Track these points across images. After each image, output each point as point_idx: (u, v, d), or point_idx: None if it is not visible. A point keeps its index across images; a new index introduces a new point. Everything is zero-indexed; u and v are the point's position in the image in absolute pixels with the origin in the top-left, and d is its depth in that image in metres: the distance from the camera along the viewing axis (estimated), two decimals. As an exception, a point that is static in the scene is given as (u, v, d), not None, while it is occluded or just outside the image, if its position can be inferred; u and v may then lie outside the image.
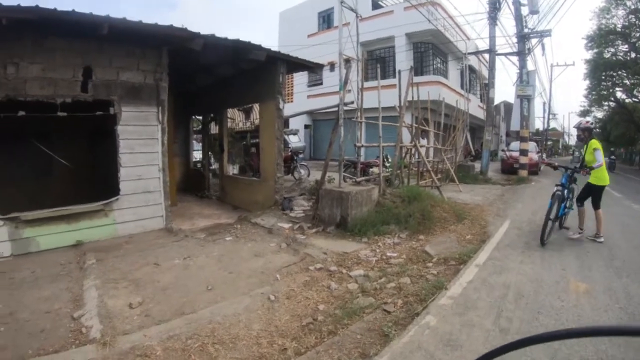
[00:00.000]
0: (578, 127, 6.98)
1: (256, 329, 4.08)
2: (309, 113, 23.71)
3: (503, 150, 21.91)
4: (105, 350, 3.82)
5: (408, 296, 4.72)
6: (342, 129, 8.14)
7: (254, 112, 13.85)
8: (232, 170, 12.67)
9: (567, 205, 7.04)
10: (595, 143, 6.69)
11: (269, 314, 4.39)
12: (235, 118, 14.72)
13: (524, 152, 17.87)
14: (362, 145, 9.04)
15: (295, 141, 19.38)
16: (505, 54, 18.63)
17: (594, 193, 6.82)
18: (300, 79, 27.38)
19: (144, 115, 7.62)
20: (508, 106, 27.94)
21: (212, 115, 13.14)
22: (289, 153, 14.90)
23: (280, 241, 6.89)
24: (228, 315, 4.35)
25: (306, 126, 28.41)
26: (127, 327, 4.22)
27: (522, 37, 17.68)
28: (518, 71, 18.12)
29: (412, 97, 11.15)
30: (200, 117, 14.29)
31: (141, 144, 7.56)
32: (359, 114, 8.91)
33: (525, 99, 17.77)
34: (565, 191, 6.88)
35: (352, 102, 8.64)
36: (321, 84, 27.08)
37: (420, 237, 7.28)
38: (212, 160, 14.15)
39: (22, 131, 8.19)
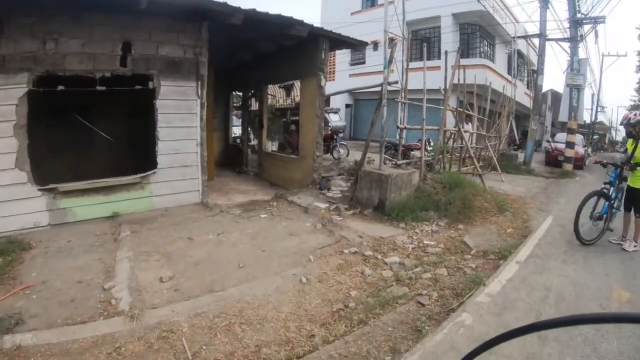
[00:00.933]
0: (628, 123, 5.89)
1: (285, 311, 3.89)
2: (351, 92, 23.19)
3: (548, 142, 20.32)
4: (132, 324, 3.74)
5: (444, 289, 4.39)
6: (385, 110, 7.72)
7: (295, 90, 13.56)
8: (271, 147, 12.52)
9: (615, 205, 6.21)
10: None
11: (300, 297, 4.19)
12: (276, 95, 14.48)
13: (570, 145, 16.58)
14: (405, 128, 8.58)
15: (336, 120, 18.95)
16: (557, 40, 17.28)
17: (636, 197, 5.88)
18: (342, 57, 26.75)
19: (183, 90, 7.50)
20: (555, 95, 26.08)
21: (252, 91, 12.98)
22: (329, 132, 14.57)
23: (316, 222, 6.66)
24: (258, 295, 4.17)
25: (347, 105, 27.85)
26: (155, 302, 4.13)
27: (575, 23, 16.31)
28: (569, 59, 16.82)
29: (458, 81, 10.50)
30: (241, 93, 14.14)
31: (180, 118, 7.47)
32: (403, 94, 8.44)
33: (575, 89, 16.47)
34: (613, 190, 6.13)
35: (397, 83, 8.18)
36: (364, 63, 26.31)
37: (459, 227, 6.85)
38: (252, 136, 14.09)
39: (64, 104, 8.28)
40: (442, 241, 6.13)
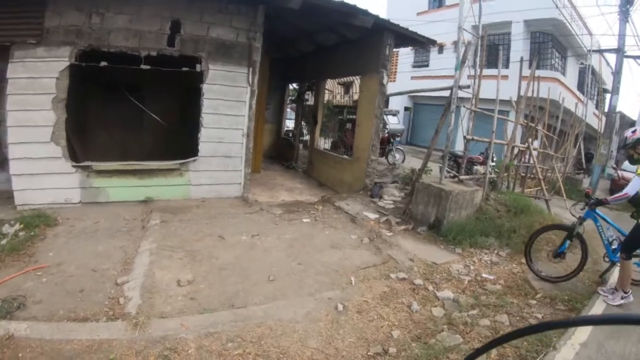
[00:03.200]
0: (624, 144, 4.47)
1: (312, 347, 3.25)
2: (411, 95, 22.14)
3: (613, 168, 18.42)
4: (134, 333, 3.27)
5: (505, 347, 3.51)
6: (452, 116, 6.84)
7: (353, 87, 12.84)
8: (324, 144, 11.88)
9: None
10: None
11: (332, 330, 3.53)
12: (334, 91, 13.83)
13: None
14: (473, 139, 7.63)
15: (394, 122, 17.97)
16: (636, 57, 15.80)
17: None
18: (404, 58, 25.70)
19: (233, 76, 7.04)
20: (623, 118, 23.65)
21: (308, 84, 12.41)
22: (386, 134, 13.75)
23: (363, 234, 5.94)
24: (283, 320, 3.56)
25: (406, 108, 26.68)
26: (166, 309, 3.65)
27: None
28: None
29: (525, 93, 9.34)
30: (297, 86, 13.63)
31: (227, 105, 7.04)
32: (473, 101, 7.50)
33: None
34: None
35: (468, 87, 7.25)
36: (427, 65, 25.03)
37: (522, 261, 5.82)
38: (304, 131, 13.59)
39: (115, 82, 8.17)
40: (502, 276, 5.25)
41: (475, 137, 7.78)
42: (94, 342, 3.14)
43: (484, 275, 5.11)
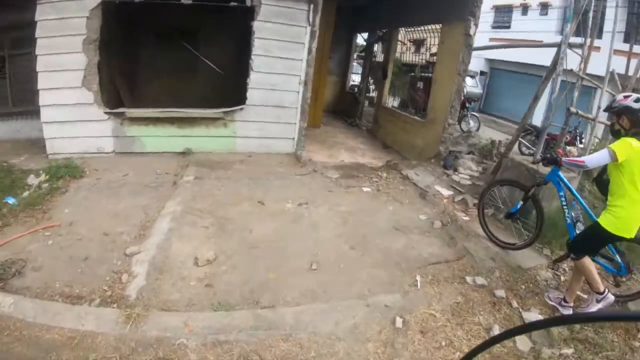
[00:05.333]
0: (609, 107, 3.34)
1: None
2: (488, 58, 19.99)
3: None
4: (125, 328, 2.58)
5: None
6: (558, 82, 5.33)
7: (425, 46, 11.29)
8: (392, 103, 10.57)
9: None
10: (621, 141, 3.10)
11: (385, 356, 2.55)
12: (404, 47, 12.33)
13: None
14: (577, 113, 5.98)
15: (471, 85, 16.12)
16: None
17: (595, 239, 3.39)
18: (483, 17, 23.04)
19: (290, 13, 5.97)
20: None
21: (379, 34, 11.02)
22: (462, 98, 12.14)
23: (434, 215, 4.78)
24: (320, 333, 2.66)
25: (481, 73, 24.28)
26: (173, 297, 2.89)
27: None
28: None
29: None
30: (366, 36, 12.25)
31: (281, 47, 6.04)
32: (582, 65, 5.83)
33: None
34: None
35: (580, 46, 5.59)
36: (508, 27, 22.41)
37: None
38: (371, 87, 12.42)
39: (168, 29, 7.36)
40: None
41: (580, 112, 6.20)
42: (77, 333, 2.55)
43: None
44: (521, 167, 5.09)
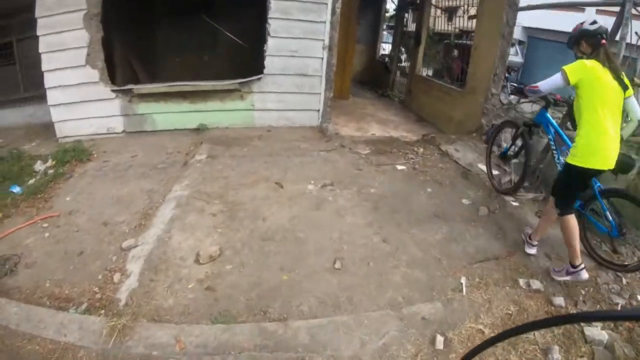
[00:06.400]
0: (570, 36, 3.22)
1: None
2: (526, 26, 18.68)
3: None
4: (107, 342, 2.19)
5: None
6: (622, 48, 4.52)
7: (459, 13, 10.38)
8: (425, 72, 9.77)
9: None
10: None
11: None
12: (436, 15, 11.42)
13: None
14: None
15: (511, 53, 14.97)
16: None
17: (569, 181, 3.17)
18: None
19: (309, -32, 5.43)
20: None
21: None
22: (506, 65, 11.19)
23: (479, 199, 4.13)
24: (342, 358, 2.09)
25: (520, 42, 22.67)
26: (166, 303, 2.51)
27: None
28: None
29: None
30: (396, 1, 11.37)
31: (301, 7, 5.42)
32: None
33: None
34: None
35: None
36: None
37: None
38: (403, 56, 11.64)
39: (183, 2, 6.87)
40: None
41: None
42: (59, 346, 2.22)
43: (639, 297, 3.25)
44: None
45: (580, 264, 3.04)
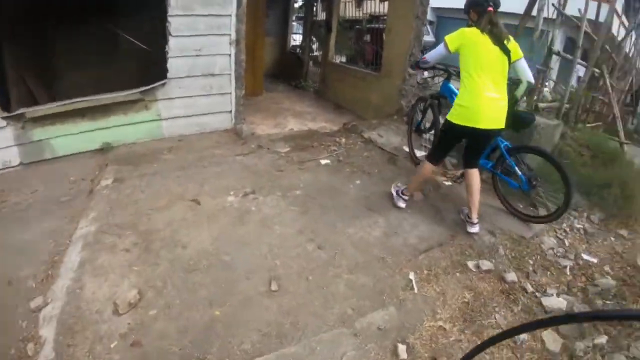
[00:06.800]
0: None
1: None
2: (434, 7, 19.29)
3: None
4: None
5: None
6: (541, 18, 4.79)
7: (366, 1, 10.47)
8: (339, 60, 9.69)
9: None
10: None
11: None
12: (346, 2, 11.39)
13: None
14: (559, 53, 5.44)
15: (424, 33, 15.43)
16: None
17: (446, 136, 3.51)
18: None
19: (210, -40, 5.00)
20: None
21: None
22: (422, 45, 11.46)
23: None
24: None
25: (430, 22, 23.48)
26: None
27: None
28: None
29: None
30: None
31: (204, 2, 4.99)
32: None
33: None
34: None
35: None
36: None
37: (620, 231, 4.14)
38: (314, 45, 11.63)
39: (78, 10, 5.99)
40: (604, 256, 3.61)
41: (562, 53, 5.66)
42: None
43: (584, 257, 3.43)
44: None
45: (411, 195, 3.63)
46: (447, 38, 3.16)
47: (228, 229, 3.19)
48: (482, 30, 3.03)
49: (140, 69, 6.67)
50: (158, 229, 3.16)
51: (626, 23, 15.55)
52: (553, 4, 5.13)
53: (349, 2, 11.36)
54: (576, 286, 3.04)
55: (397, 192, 3.71)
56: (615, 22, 9.91)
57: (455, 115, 3.19)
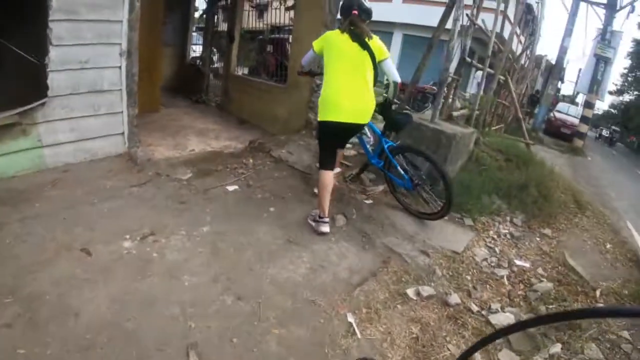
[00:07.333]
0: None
1: None
2: None
3: (549, 109, 19.84)
4: None
5: None
6: (457, 25, 4.97)
7: (268, 12, 10.28)
8: (241, 72, 9.29)
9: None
10: None
11: None
12: (247, 13, 11.07)
13: (585, 120, 16.46)
14: (471, 63, 5.76)
15: None
16: (592, 2, 16.35)
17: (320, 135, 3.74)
18: None
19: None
20: (549, 65, 24.23)
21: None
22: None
23: (330, 207, 3.85)
24: None
25: None
26: None
27: None
28: (601, 27, 16.16)
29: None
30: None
31: (91, 4, 4.28)
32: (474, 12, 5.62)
33: (602, 61, 16.07)
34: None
35: None
36: None
37: (543, 231, 4.55)
38: (215, 57, 11.25)
39: None
40: (534, 259, 3.86)
41: (474, 62, 5.96)
42: None
43: (517, 262, 3.62)
44: (422, 129, 4.78)
45: (325, 217, 3.48)
46: (313, 42, 3.47)
47: (128, 285, 2.67)
48: (343, 31, 3.28)
49: (28, 85, 5.72)
50: (44, 292, 2.56)
51: (518, 31, 17.49)
52: (467, 14, 5.34)
53: (251, 11, 11.02)
54: (517, 295, 3.15)
55: (314, 220, 3.58)
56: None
57: (322, 113, 3.39)
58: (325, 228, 3.46)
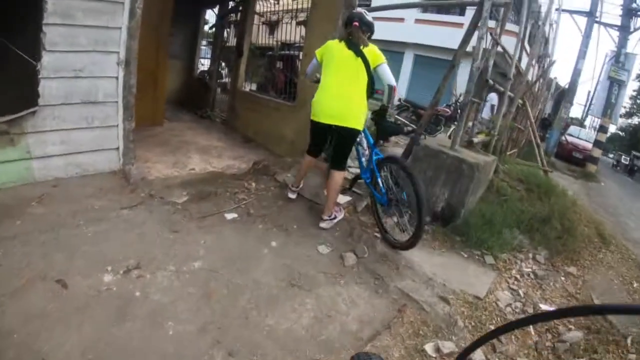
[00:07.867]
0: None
1: None
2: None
3: (561, 133, 19.45)
4: None
5: None
6: (480, 47, 4.64)
7: (279, 28, 10.05)
8: (249, 87, 9.03)
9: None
10: None
11: None
12: (257, 29, 10.88)
13: (599, 144, 15.95)
14: (493, 85, 5.51)
15: None
16: (605, 24, 16.40)
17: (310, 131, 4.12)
18: None
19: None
20: (559, 88, 24.10)
21: (232, 5, 9.39)
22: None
23: (339, 241, 3.52)
24: None
25: None
26: None
27: (629, 12, 15.44)
28: (615, 49, 16.25)
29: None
30: (216, 10, 10.42)
31: (89, 9, 4.01)
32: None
33: (616, 84, 16.03)
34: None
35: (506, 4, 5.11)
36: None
37: (568, 269, 4.16)
38: (224, 72, 11.15)
39: None
40: (560, 302, 3.49)
41: (497, 85, 5.72)
42: None
43: (542, 307, 3.25)
44: (441, 156, 4.31)
45: (294, 187, 4.25)
46: (316, 51, 3.80)
47: (104, 329, 2.32)
48: (341, 39, 3.62)
49: (26, 88, 5.44)
50: (12, 330, 2.21)
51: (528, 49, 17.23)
52: (490, 34, 5.09)
53: (261, 27, 10.87)
54: (545, 347, 2.79)
55: (290, 188, 4.27)
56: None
57: (312, 112, 3.75)
58: (292, 195, 4.22)
